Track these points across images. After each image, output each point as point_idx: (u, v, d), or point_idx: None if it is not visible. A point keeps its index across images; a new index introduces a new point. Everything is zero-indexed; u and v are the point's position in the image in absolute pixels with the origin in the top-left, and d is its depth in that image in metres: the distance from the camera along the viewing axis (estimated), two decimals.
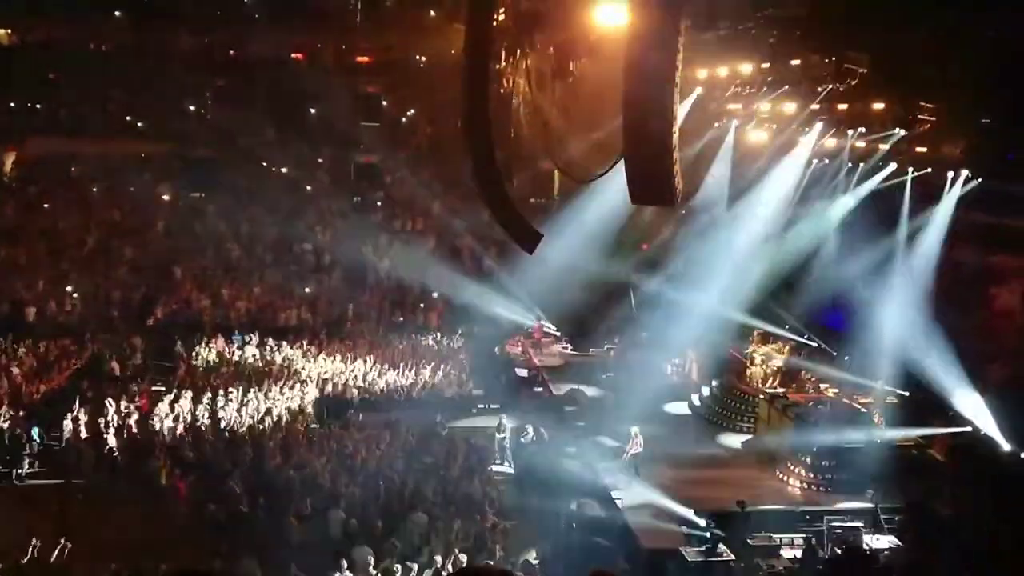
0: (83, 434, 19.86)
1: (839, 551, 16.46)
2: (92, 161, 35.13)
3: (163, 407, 20.94)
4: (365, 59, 38.46)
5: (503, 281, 29.02)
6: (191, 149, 34.83)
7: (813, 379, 23.03)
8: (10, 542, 14.80)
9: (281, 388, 22.95)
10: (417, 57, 38.47)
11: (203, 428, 20.23)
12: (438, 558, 14.71)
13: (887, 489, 18.56)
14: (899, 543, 17.02)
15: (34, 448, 19.36)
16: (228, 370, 24.18)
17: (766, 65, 19.35)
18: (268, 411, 21.37)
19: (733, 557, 16.08)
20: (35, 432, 19.54)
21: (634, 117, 6.56)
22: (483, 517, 16.74)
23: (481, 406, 24.19)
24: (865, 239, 22.27)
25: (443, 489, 17.77)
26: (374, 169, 37.23)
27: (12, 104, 36.06)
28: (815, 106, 20.12)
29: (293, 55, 39.05)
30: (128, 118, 36.47)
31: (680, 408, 24.95)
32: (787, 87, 19.78)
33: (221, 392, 22.13)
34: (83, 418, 20.20)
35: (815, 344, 23.85)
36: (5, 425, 19.49)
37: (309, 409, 22.27)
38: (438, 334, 28.35)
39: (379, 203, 35.99)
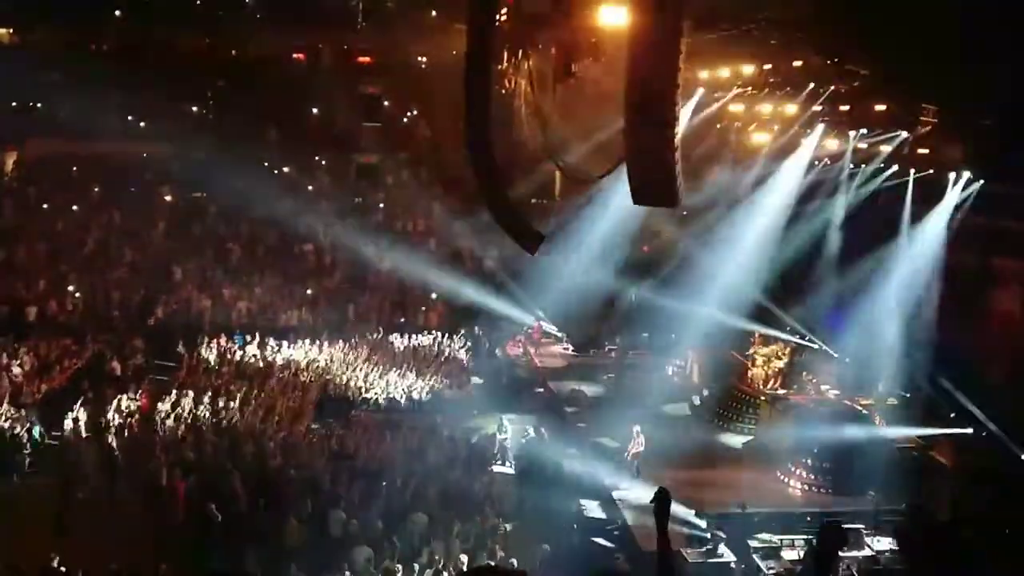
0: (83, 434, 19.85)
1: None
2: (92, 161, 35.16)
3: (164, 407, 20.93)
4: (366, 59, 38.46)
5: (504, 281, 29.08)
6: (192, 150, 34.82)
7: (814, 380, 23.01)
8: (10, 542, 14.79)
9: (282, 388, 22.95)
10: (419, 58, 38.48)
11: (204, 428, 20.21)
12: (439, 559, 14.71)
13: (888, 491, 18.55)
14: (900, 546, 16.99)
15: (34, 448, 19.35)
16: (229, 370, 24.17)
17: (768, 66, 19.37)
18: (269, 411, 21.36)
19: (734, 558, 16.06)
20: (35, 431, 19.53)
21: (636, 118, 6.56)
22: (483, 518, 16.74)
23: (482, 406, 24.21)
24: (867, 241, 22.26)
25: (443, 490, 17.75)
26: (375, 170, 37.22)
27: (13, 104, 36.08)
28: (817, 108, 20.15)
29: (294, 55, 39.06)
30: (129, 118, 36.47)
31: (681, 409, 24.94)
32: (789, 89, 19.80)
33: (222, 392, 22.14)
34: (83, 418, 20.19)
35: (816, 346, 23.84)
36: (5, 424, 19.47)
37: (310, 409, 22.26)
38: (439, 335, 28.37)
39: (380, 204, 35.98)
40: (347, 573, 14.13)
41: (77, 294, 28.03)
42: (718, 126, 23.99)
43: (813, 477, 19.86)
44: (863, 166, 22.14)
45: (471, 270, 30.60)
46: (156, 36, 36.87)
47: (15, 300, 27.17)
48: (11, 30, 37.26)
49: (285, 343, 26.57)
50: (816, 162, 23.27)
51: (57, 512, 16.71)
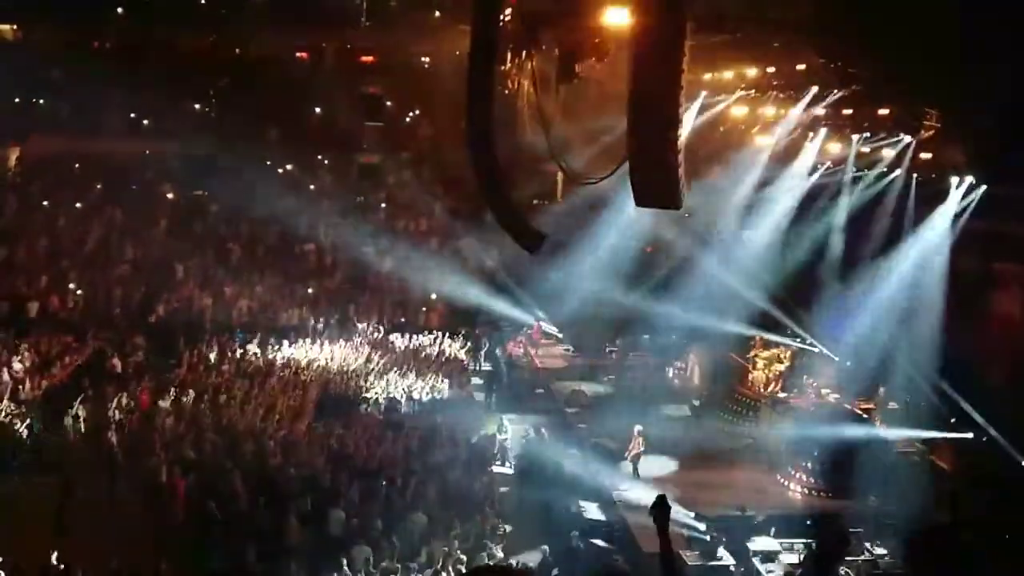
0: (83, 431, 19.84)
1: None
2: (95, 159, 35.17)
3: (164, 405, 20.93)
4: (369, 59, 38.44)
5: (504, 282, 29.10)
6: (194, 148, 34.81)
7: (815, 384, 23.00)
8: (9, 539, 14.78)
9: (282, 387, 22.95)
10: (422, 58, 38.46)
11: (204, 426, 20.21)
12: (438, 559, 14.71)
13: (889, 495, 18.53)
14: (901, 550, 16.97)
15: (34, 445, 19.34)
16: (229, 369, 24.17)
17: (771, 69, 19.35)
18: (269, 410, 21.35)
19: (733, 561, 16.05)
20: (36, 429, 19.53)
21: (639, 119, 6.56)
22: (483, 518, 16.74)
23: (482, 407, 24.23)
24: (869, 244, 22.25)
25: (443, 490, 17.76)
26: (377, 169, 37.22)
27: (16, 101, 36.10)
28: (820, 111, 20.13)
29: (297, 55, 39.05)
30: (131, 116, 36.47)
31: (681, 411, 24.94)
32: (792, 92, 19.79)
33: (222, 391, 22.14)
34: (83, 415, 20.19)
35: (817, 349, 23.83)
36: (5, 421, 19.47)
37: (310, 408, 22.25)
38: (439, 335, 28.37)
39: (382, 203, 35.98)
40: (346, 572, 14.12)
41: (78, 291, 28.03)
42: (721, 129, 23.97)
43: (813, 480, 19.86)
44: (866, 170, 22.11)
45: (472, 270, 30.58)
46: (158, 34, 36.84)
47: (16, 296, 27.17)
48: (14, 27, 37.24)
49: (286, 342, 26.57)
50: (819, 166, 23.24)
51: (57, 510, 16.71)
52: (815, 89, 19.41)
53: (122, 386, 22.26)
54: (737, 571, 16.05)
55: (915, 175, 20.96)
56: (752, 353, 24.19)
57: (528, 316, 29.74)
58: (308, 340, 26.88)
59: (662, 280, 26.27)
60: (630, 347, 28.41)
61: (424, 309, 30.17)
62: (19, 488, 18.46)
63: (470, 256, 30.82)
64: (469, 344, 28.06)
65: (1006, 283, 21.50)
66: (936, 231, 20.92)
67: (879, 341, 21.43)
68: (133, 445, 19.31)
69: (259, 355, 25.45)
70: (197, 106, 38.11)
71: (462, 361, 26.98)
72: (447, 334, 28.35)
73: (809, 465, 19.94)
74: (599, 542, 16.40)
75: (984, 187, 19.52)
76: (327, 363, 25.46)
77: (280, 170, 36.63)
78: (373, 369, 25.07)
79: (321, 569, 14.24)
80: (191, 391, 21.89)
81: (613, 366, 27.54)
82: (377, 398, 23.55)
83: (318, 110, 38.13)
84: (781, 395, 22.89)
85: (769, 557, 16.39)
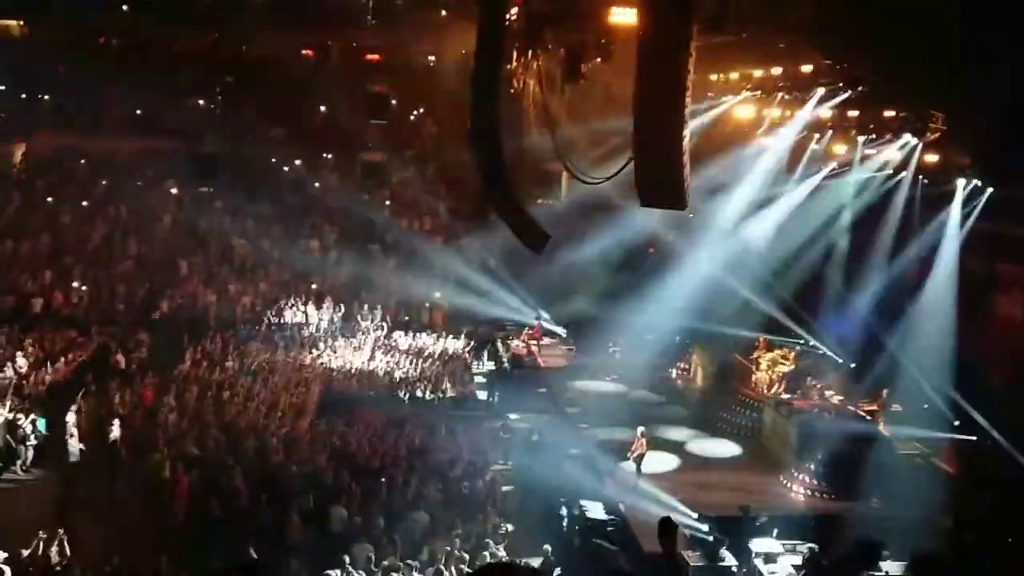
0: (87, 426, 19.87)
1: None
2: (99, 155, 35.21)
3: (167, 401, 20.96)
4: (375, 57, 38.43)
5: (507, 280, 29.10)
6: (198, 145, 34.85)
7: (818, 385, 22.97)
8: (11, 535, 14.79)
9: (285, 384, 22.96)
10: (427, 57, 38.45)
11: (207, 423, 20.23)
12: (440, 557, 14.71)
13: (891, 497, 18.50)
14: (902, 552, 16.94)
15: (37, 440, 19.37)
16: (232, 365, 24.19)
17: (777, 71, 19.33)
18: (272, 407, 21.38)
19: (735, 562, 16.02)
20: (40, 424, 19.56)
21: (645, 119, 6.55)
22: (485, 517, 16.74)
23: (484, 405, 24.23)
24: (874, 246, 22.22)
25: (445, 488, 17.76)
26: (381, 167, 37.21)
27: (21, 97, 36.15)
28: (825, 112, 20.10)
29: (303, 52, 39.04)
30: (136, 113, 36.52)
31: (684, 412, 24.91)
32: (797, 93, 19.76)
33: (225, 387, 22.16)
34: (87, 410, 20.22)
35: (821, 351, 23.79)
36: (9, 416, 19.50)
37: (312, 406, 22.27)
38: (443, 333, 28.37)
39: (386, 201, 35.98)
40: (348, 570, 14.13)
41: (82, 287, 28.08)
42: (726, 130, 23.95)
43: (816, 482, 19.83)
44: (871, 171, 22.08)
45: (475, 269, 30.57)
46: (163, 32, 36.89)
47: (20, 292, 27.23)
48: (20, 23, 37.30)
49: (289, 339, 26.54)
50: (824, 167, 23.20)
51: (58, 506, 16.72)
52: (821, 91, 19.40)
53: (126, 382, 22.30)
54: (740, 572, 16.02)
55: (921, 177, 20.93)
56: (755, 354, 24.15)
57: (530, 315, 29.72)
58: (311, 337, 26.85)
59: (663, 280, 26.26)
60: (633, 347, 28.31)
61: (428, 307, 30.18)
62: (22, 481, 18.51)
63: (473, 254, 30.81)
64: (472, 343, 28.05)
65: (1007, 285, 21.48)
66: (942, 233, 20.90)
67: (883, 343, 21.39)
68: (136, 441, 19.34)
69: (262, 351, 25.46)
70: (202, 103, 38.12)
71: (465, 359, 26.99)
72: (451, 333, 28.34)
73: (812, 467, 19.92)
74: (601, 542, 16.37)
75: (991, 189, 19.48)
76: (330, 361, 25.49)
77: (285, 168, 36.64)
78: (377, 367, 25.08)
79: (323, 567, 14.23)
80: (194, 387, 21.93)
81: (616, 365, 27.47)
82: (380, 396, 23.57)
83: (323, 108, 38.13)
84: (784, 396, 22.84)
85: (771, 558, 16.36)
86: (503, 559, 14.83)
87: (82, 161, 35.19)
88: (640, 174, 6.72)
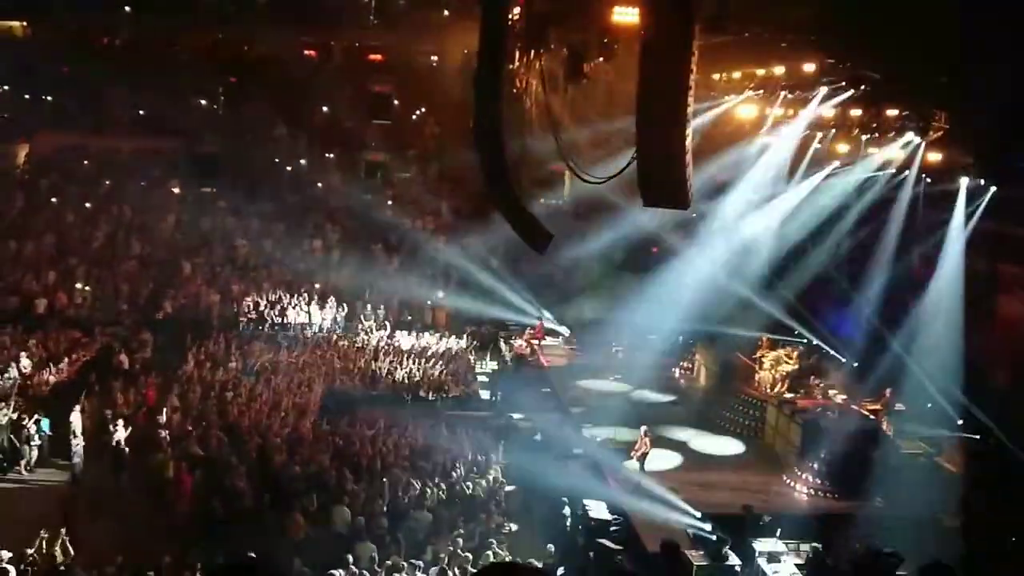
0: (90, 427, 19.89)
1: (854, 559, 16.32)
2: (102, 155, 35.27)
3: (171, 401, 20.98)
4: (377, 57, 38.45)
5: (509, 280, 29.10)
6: (201, 144, 34.90)
7: (822, 385, 22.94)
8: (15, 534, 14.82)
9: (288, 384, 22.98)
10: (430, 56, 38.46)
11: (210, 423, 20.25)
12: (443, 557, 14.71)
13: (895, 497, 18.48)
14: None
15: (41, 440, 19.41)
16: (236, 365, 24.22)
17: (780, 70, 19.31)
18: (275, 407, 21.39)
19: (739, 562, 16.00)
20: (43, 424, 19.59)
21: (647, 119, 6.54)
22: (488, 517, 16.74)
23: (488, 405, 24.22)
24: (878, 245, 22.20)
25: (448, 488, 17.76)
26: (384, 167, 37.24)
27: (25, 97, 36.22)
28: (828, 111, 20.07)
29: (305, 52, 39.06)
30: (139, 112, 36.57)
31: (687, 411, 24.88)
32: (801, 92, 19.74)
33: (228, 387, 22.18)
34: (90, 411, 20.24)
35: (824, 350, 23.75)
36: (13, 416, 19.54)
37: (315, 405, 22.28)
38: (445, 332, 28.36)
39: (388, 201, 36.00)
40: (352, 569, 14.13)
41: (86, 287, 28.14)
42: (729, 129, 23.94)
43: (819, 481, 19.79)
44: (874, 170, 22.05)
45: (477, 269, 30.58)
46: (166, 31, 36.94)
47: (24, 292, 27.29)
48: (23, 23, 37.35)
49: (292, 338, 26.55)
50: (827, 166, 23.18)
51: (62, 506, 16.74)
52: (824, 90, 19.39)
53: (129, 382, 22.35)
54: (743, 572, 16.00)
55: (925, 176, 20.90)
56: (759, 353, 24.10)
57: (533, 314, 29.72)
58: (314, 337, 26.85)
59: (667, 279, 26.23)
60: (636, 346, 28.31)
61: (430, 306, 30.19)
62: (26, 481, 18.55)
63: (476, 254, 30.81)
64: (474, 342, 28.05)
65: (1008, 285, 21.46)
66: (946, 233, 20.87)
67: (887, 342, 21.37)
68: (139, 441, 19.36)
69: (266, 351, 25.48)
70: (204, 103, 38.16)
71: (467, 359, 26.99)
72: (453, 332, 28.34)
73: (815, 466, 19.88)
74: (604, 541, 16.36)
75: (994, 188, 19.46)
76: (333, 360, 25.50)
77: (287, 168, 36.68)
78: (379, 367, 25.09)
79: (326, 567, 14.24)
80: (198, 388, 21.95)
81: (619, 365, 27.45)
82: (382, 395, 23.57)
83: (325, 108, 38.16)
84: (788, 396, 22.81)
85: (775, 558, 16.34)
86: (506, 559, 14.83)
87: (85, 161, 35.26)
88: (643, 173, 6.72)
